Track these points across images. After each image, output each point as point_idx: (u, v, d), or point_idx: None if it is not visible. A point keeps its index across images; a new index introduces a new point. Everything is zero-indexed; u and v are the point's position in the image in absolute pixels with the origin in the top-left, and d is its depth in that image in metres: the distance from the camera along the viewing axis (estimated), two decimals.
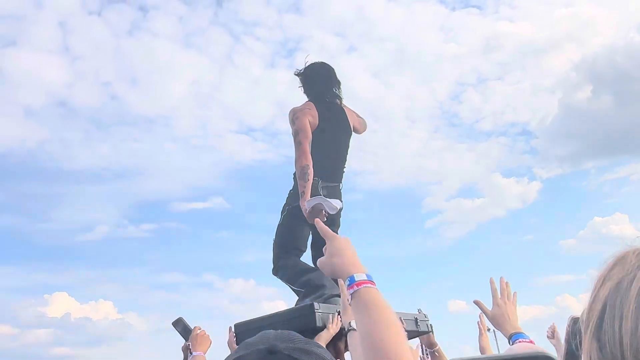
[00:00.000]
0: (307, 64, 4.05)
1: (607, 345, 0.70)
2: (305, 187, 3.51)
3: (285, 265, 3.69)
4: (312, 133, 3.75)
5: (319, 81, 4.01)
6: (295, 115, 3.75)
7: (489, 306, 1.91)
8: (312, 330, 2.74)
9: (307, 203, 3.41)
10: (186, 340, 2.68)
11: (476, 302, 1.94)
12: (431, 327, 3.66)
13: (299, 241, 3.73)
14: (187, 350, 2.65)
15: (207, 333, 2.60)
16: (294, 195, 3.67)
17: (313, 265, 3.68)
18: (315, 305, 2.90)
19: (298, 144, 3.63)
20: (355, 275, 1.23)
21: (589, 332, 0.74)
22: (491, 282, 1.89)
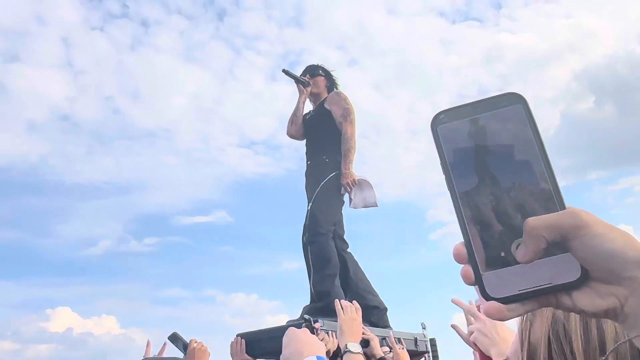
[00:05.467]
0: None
1: None
2: (354, 155, 3.99)
3: (322, 247, 3.88)
4: None
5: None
6: (348, 101, 4.21)
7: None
8: None
9: (358, 175, 3.92)
10: (185, 354, 2.64)
11: (453, 327, 1.75)
12: (432, 342, 3.69)
13: (335, 216, 4.06)
14: None
15: (204, 346, 2.56)
16: (331, 166, 4.02)
17: None
18: (320, 322, 3.04)
19: (351, 122, 4.08)
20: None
21: None
22: (459, 304, 1.65)
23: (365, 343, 2.59)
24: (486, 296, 0.43)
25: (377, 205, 3.94)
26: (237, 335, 2.99)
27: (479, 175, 0.45)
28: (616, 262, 0.40)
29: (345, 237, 4.14)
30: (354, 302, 2.04)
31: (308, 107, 4.45)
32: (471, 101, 0.47)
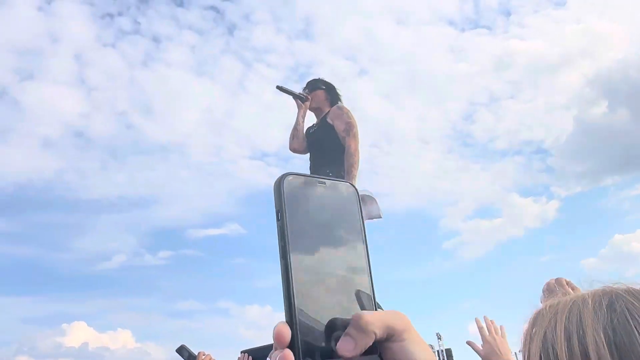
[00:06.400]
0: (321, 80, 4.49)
1: None
2: (357, 170, 3.92)
3: None
4: None
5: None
6: (351, 115, 4.15)
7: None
8: None
9: (361, 189, 3.80)
10: None
11: (468, 343, 1.97)
12: (449, 352, 3.68)
13: None
14: None
15: (213, 357, 2.55)
16: None
17: None
18: None
19: (354, 136, 4.01)
20: None
21: None
22: (477, 322, 1.93)
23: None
24: None
25: (381, 217, 3.92)
26: (242, 352, 2.97)
27: (312, 255, 0.44)
28: None
29: None
30: None
31: (311, 120, 4.45)
32: (318, 176, 0.47)
